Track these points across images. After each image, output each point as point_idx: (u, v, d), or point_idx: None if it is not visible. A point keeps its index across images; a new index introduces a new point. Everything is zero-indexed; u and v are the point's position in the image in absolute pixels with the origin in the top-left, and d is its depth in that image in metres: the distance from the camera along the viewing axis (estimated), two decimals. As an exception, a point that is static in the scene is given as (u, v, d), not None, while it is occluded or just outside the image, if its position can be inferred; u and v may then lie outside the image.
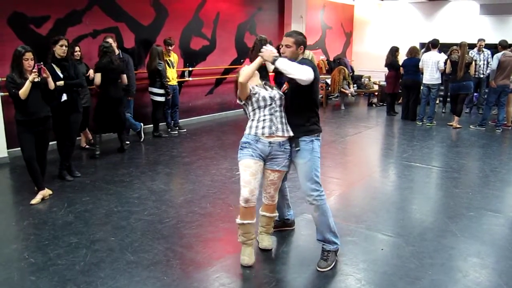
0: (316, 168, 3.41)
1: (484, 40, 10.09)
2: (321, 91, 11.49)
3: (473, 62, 8.91)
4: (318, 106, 3.54)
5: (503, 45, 8.75)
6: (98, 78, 6.27)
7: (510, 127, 8.98)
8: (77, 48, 6.32)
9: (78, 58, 6.27)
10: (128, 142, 7.31)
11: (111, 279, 3.24)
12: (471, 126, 8.96)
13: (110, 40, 6.86)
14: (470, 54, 9.32)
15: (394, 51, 10.02)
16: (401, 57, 10.02)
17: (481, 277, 3.34)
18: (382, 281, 3.29)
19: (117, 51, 6.96)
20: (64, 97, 5.22)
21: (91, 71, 6.70)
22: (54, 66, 5.13)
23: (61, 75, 5.16)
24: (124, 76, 6.67)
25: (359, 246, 3.84)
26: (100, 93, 6.49)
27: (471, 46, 9.86)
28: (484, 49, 10.05)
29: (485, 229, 4.24)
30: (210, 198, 4.94)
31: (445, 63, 8.97)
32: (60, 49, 5.13)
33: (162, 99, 7.71)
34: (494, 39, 9.79)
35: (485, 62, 10.00)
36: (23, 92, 4.48)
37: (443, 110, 11.01)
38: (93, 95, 6.97)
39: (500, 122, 8.74)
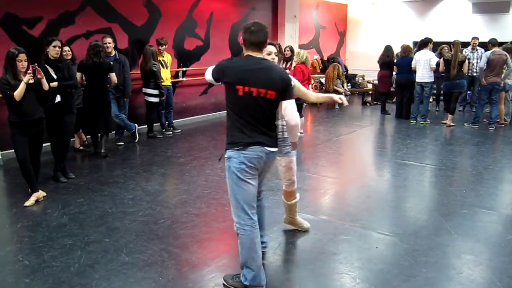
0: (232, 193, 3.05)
1: (478, 39, 10.15)
2: (316, 90, 11.50)
3: (466, 61, 8.95)
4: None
5: (493, 43, 8.79)
6: (77, 77, 6.11)
7: (503, 125, 9.04)
8: (66, 48, 6.15)
9: (69, 58, 6.20)
10: (122, 143, 7.30)
11: (105, 281, 3.23)
12: (465, 124, 9.00)
13: (108, 39, 6.84)
14: (464, 53, 9.38)
15: (390, 49, 10.09)
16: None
17: (475, 274, 3.36)
18: (377, 279, 3.30)
19: (113, 52, 6.95)
20: (58, 98, 5.21)
21: None
22: (48, 67, 5.11)
23: (55, 76, 5.14)
24: (113, 75, 6.48)
25: (354, 244, 3.85)
26: (84, 93, 6.39)
27: (464, 45, 9.93)
28: (478, 47, 10.11)
29: (479, 226, 4.27)
30: (205, 198, 4.94)
31: (438, 64, 8.99)
32: (53, 50, 5.11)
33: (156, 99, 7.69)
34: (486, 38, 9.83)
35: (479, 61, 10.04)
36: (18, 93, 4.46)
37: (437, 109, 11.06)
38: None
39: (493, 120, 8.79)
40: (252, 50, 3.02)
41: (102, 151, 6.57)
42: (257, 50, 3.02)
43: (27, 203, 4.69)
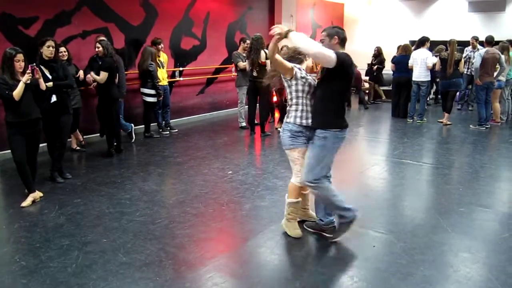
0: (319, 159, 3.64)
1: (477, 38, 10.19)
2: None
3: (462, 60, 8.96)
4: (347, 102, 3.78)
5: (488, 41, 8.79)
6: (104, 76, 6.25)
7: (499, 123, 9.07)
8: (62, 49, 6.19)
9: (65, 59, 6.20)
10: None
11: (103, 281, 3.23)
12: (471, 126, 8.79)
13: (103, 38, 6.84)
14: (465, 51, 9.40)
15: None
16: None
17: (472, 272, 3.37)
18: (375, 277, 3.31)
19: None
20: (54, 98, 5.19)
21: (80, 72, 6.68)
22: (42, 67, 5.09)
23: (50, 76, 5.12)
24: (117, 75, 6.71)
25: (351, 243, 3.85)
26: (104, 93, 6.46)
27: (461, 44, 9.96)
28: (479, 46, 10.15)
29: (476, 224, 4.28)
30: (202, 198, 4.93)
31: (434, 65, 9.00)
32: (47, 50, 5.09)
33: (153, 99, 7.69)
34: (482, 36, 9.87)
35: None
36: (17, 93, 4.45)
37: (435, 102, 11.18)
38: (83, 96, 6.94)
39: (487, 118, 8.80)
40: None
41: (121, 147, 6.89)
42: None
43: (24, 204, 4.68)
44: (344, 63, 3.40)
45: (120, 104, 7.32)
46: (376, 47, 11.87)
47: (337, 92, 3.60)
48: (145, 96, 7.67)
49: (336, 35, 3.56)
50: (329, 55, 3.32)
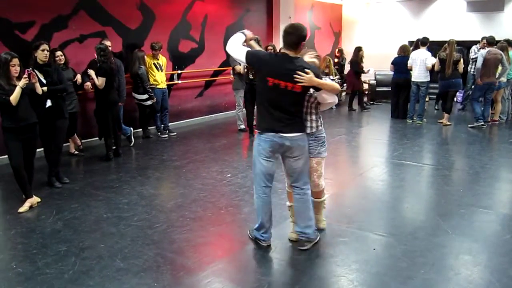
0: None
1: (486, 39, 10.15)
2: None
3: (461, 60, 8.92)
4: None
5: (489, 41, 8.75)
6: (102, 82, 6.23)
7: (497, 122, 9.06)
8: (58, 53, 6.19)
9: (62, 63, 6.18)
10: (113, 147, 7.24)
11: (100, 287, 3.19)
12: (469, 126, 8.77)
13: (108, 42, 6.83)
14: (474, 52, 9.34)
15: (357, 51, 10.77)
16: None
17: (473, 274, 3.34)
18: (375, 281, 3.27)
19: None
20: (49, 103, 5.15)
21: (78, 76, 6.64)
22: (37, 72, 5.04)
23: (44, 81, 5.08)
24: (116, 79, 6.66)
25: (350, 246, 3.82)
26: (101, 97, 6.41)
27: (461, 44, 9.91)
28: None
29: (477, 226, 4.25)
30: (201, 202, 4.90)
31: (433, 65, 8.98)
32: (41, 54, 5.05)
33: (150, 102, 7.67)
34: (480, 36, 9.87)
35: None
36: (15, 98, 4.43)
37: (436, 107, 11.03)
38: (80, 101, 6.91)
39: (485, 118, 8.77)
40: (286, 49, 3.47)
41: (120, 151, 6.86)
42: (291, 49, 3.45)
43: (21, 209, 4.64)
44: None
45: (120, 108, 7.31)
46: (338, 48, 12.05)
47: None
48: (142, 102, 7.65)
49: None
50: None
